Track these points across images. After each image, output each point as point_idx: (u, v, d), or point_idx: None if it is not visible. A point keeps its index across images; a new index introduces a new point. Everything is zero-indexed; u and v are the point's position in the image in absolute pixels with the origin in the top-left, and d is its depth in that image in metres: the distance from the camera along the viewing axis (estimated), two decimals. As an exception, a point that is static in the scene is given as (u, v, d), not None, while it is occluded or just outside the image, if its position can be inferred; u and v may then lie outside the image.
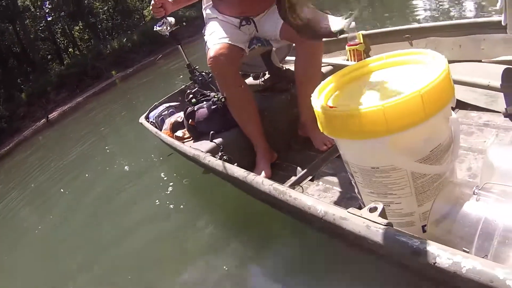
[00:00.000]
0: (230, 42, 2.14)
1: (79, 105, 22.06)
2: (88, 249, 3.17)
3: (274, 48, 2.54)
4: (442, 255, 0.76)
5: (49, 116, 23.46)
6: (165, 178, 3.65)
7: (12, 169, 11.97)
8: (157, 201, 3.25)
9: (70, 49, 31.04)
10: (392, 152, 0.99)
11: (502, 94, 1.82)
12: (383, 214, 0.92)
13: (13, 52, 27.24)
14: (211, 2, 2.33)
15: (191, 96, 2.72)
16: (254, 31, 2.23)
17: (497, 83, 1.81)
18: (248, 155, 2.26)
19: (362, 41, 2.61)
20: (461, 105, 1.93)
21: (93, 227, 3.53)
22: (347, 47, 2.64)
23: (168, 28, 2.80)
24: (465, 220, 0.92)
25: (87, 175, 5.48)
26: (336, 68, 2.57)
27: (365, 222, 0.92)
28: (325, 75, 2.52)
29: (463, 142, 1.65)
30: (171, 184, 3.41)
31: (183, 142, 2.60)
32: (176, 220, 2.85)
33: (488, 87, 1.85)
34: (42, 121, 23.31)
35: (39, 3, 28.77)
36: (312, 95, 1.15)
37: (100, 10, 29.59)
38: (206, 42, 2.25)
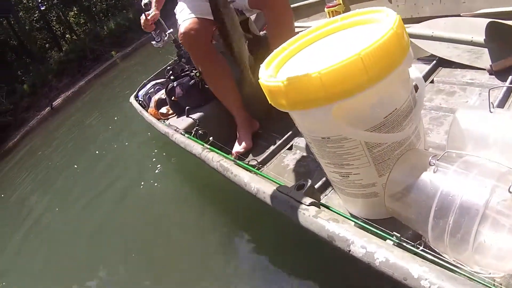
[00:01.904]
0: (199, 16, 2.11)
1: (82, 89, 22.14)
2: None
3: (252, 17, 2.49)
4: (356, 243, 0.68)
5: (53, 103, 23.58)
6: (154, 159, 3.74)
7: (21, 160, 12.11)
8: (143, 182, 3.44)
9: (67, 35, 31.01)
10: (338, 122, 0.90)
11: (486, 49, 1.71)
12: (309, 192, 0.85)
13: (10, 46, 27.26)
14: None
15: (170, 72, 2.76)
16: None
17: (481, 38, 1.71)
18: (228, 127, 2.22)
19: (341, 1, 2.49)
20: (444, 62, 1.84)
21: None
22: (326, 9, 2.54)
23: (165, 39, 2.88)
24: (421, 194, 0.83)
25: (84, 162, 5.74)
26: None
27: (289, 202, 0.85)
28: None
29: (444, 103, 1.58)
30: (158, 165, 3.53)
31: (167, 119, 2.64)
32: (160, 203, 3.02)
33: (471, 43, 1.76)
34: (47, 109, 23.44)
35: None
36: (261, 66, 1.06)
37: (94, -7, 29.34)
38: (177, 20, 2.23)
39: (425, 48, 1.88)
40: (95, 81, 21.23)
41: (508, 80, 1.43)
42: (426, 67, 1.84)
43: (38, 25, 29.71)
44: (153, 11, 2.57)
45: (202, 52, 2.12)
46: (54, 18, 30.01)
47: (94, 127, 9.19)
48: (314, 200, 0.84)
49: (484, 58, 1.68)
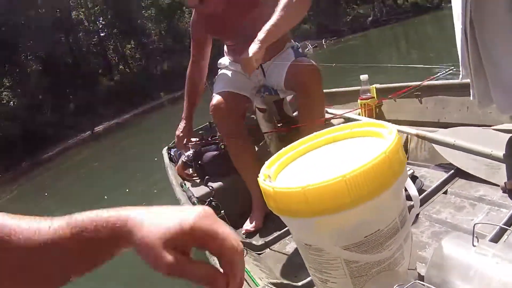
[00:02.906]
0: (233, 90, 2.20)
1: (126, 122, 22.81)
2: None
3: (288, 98, 2.55)
4: None
5: (94, 129, 24.28)
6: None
7: (51, 174, 12.45)
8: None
9: (120, 67, 32.05)
10: (319, 235, 0.93)
11: (504, 165, 1.69)
12: None
13: (64, 63, 28.18)
14: (226, 50, 2.40)
15: (202, 136, 2.91)
16: (262, 79, 2.24)
17: (500, 152, 1.69)
18: (243, 203, 2.28)
19: (375, 95, 2.54)
20: (462, 173, 1.83)
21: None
22: (359, 101, 2.59)
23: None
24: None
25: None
26: (347, 121, 2.50)
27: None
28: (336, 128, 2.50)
29: (450, 218, 1.57)
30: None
31: (190, 180, 2.73)
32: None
33: (490, 156, 1.73)
34: (87, 133, 24.16)
35: (92, 18, 29.86)
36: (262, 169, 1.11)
37: (153, 31, 30.46)
38: (213, 88, 2.32)
39: (445, 156, 1.89)
40: (140, 117, 21.80)
41: (503, 221, 1.40)
42: (443, 176, 1.84)
43: (94, 50, 30.79)
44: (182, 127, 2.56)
45: (229, 127, 2.19)
46: (111, 46, 31.17)
47: (126, 162, 9.41)
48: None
49: (501, 174, 1.67)
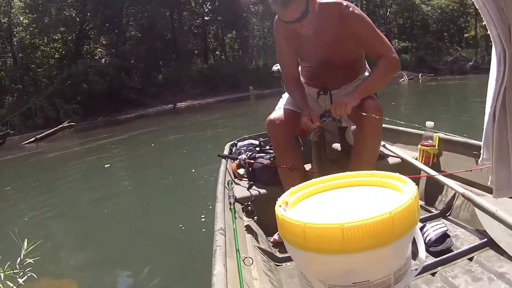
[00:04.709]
0: (293, 108, 2.24)
1: (208, 105, 23.39)
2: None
3: (352, 127, 2.56)
4: None
5: (176, 104, 25.04)
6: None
7: (125, 135, 13.10)
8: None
9: (217, 52, 32.54)
10: (310, 269, 1.03)
11: None
12: None
13: (163, 36, 28.92)
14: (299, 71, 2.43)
15: (260, 142, 3.13)
16: (329, 105, 2.27)
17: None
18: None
19: (436, 144, 2.53)
20: (493, 245, 1.77)
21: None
22: (419, 146, 2.58)
23: None
24: None
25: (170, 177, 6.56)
26: (404, 162, 2.53)
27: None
28: (391, 167, 2.55)
29: (463, 286, 1.55)
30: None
31: (240, 180, 2.85)
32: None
33: (524, 234, 1.70)
34: (169, 106, 24.98)
35: (200, 1, 30.37)
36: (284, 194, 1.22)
37: (256, 27, 30.72)
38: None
39: (483, 223, 1.84)
40: (223, 105, 22.19)
41: None
42: (475, 242, 1.82)
43: (195, 31, 31.40)
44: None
45: (281, 143, 2.24)
46: (213, 32, 31.72)
47: (194, 143, 9.75)
48: None
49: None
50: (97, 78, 24.27)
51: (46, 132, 17.85)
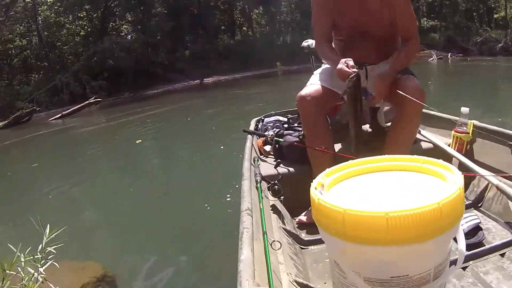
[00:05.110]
0: (325, 85, 2.17)
1: (235, 81, 23.43)
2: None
3: (384, 108, 2.49)
4: None
5: (203, 79, 25.17)
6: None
7: (153, 111, 13.25)
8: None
9: (244, 28, 32.43)
10: (346, 259, 0.94)
11: None
12: None
13: (189, 12, 28.82)
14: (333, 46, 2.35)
15: (288, 119, 3.02)
16: (364, 81, 2.17)
17: None
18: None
19: (470, 131, 2.40)
20: None
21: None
22: (453, 132, 2.46)
23: None
24: None
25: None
26: (436, 148, 2.43)
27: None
28: (423, 152, 2.40)
29: (495, 284, 1.47)
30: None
31: (266, 157, 2.80)
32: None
33: None
34: (196, 81, 25.11)
35: None
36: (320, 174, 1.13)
37: (283, 3, 30.39)
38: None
39: None
40: (250, 80, 22.18)
41: None
42: (508, 237, 1.72)
43: (222, 7, 31.23)
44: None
45: (311, 120, 2.17)
46: (239, 7, 31.52)
47: (222, 119, 9.77)
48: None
49: None
50: (123, 55, 24.42)
51: (73, 108, 18.12)
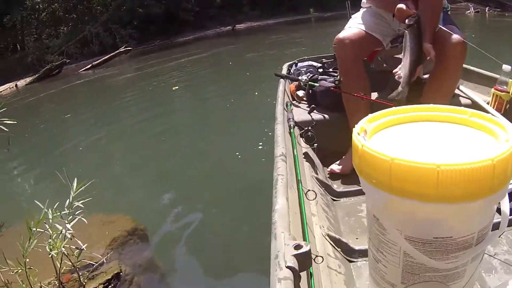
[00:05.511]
0: (366, 30, 2.09)
1: (268, 26, 23.19)
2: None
3: None
4: None
5: (235, 26, 24.90)
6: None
7: (184, 58, 13.23)
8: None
9: (275, -29, 31.29)
10: (389, 214, 0.86)
11: None
12: (300, 257, 0.93)
13: None
14: None
15: (323, 64, 2.95)
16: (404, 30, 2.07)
17: None
18: (341, 143, 2.06)
19: (511, 90, 2.27)
20: None
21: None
22: (493, 90, 2.34)
23: None
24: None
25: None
26: (474, 105, 2.32)
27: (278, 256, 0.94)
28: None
29: None
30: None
31: (299, 102, 2.78)
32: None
33: None
34: (227, 28, 24.86)
35: None
36: (360, 121, 1.02)
37: None
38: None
39: None
40: (282, 26, 21.85)
41: None
42: None
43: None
44: None
45: (349, 64, 2.09)
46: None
47: (256, 65, 9.69)
48: (290, 265, 0.89)
49: None
50: (153, 2, 24.20)
51: (103, 58, 18.25)
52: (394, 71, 1.95)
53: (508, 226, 1.47)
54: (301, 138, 2.06)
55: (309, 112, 2.28)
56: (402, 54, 1.90)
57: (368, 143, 0.88)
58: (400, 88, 1.92)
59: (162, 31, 23.79)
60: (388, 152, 0.80)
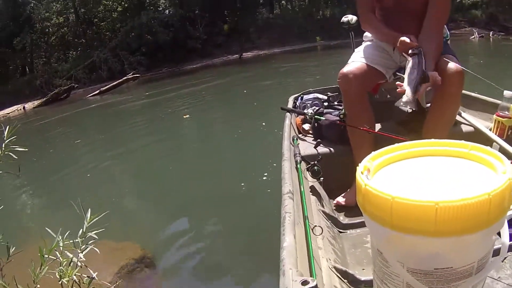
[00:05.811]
0: (368, 63, 2.14)
1: (275, 55, 23.35)
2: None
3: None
4: None
5: (243, 54, 25.13)
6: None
7: (190, 87, 13.33)
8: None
9: (283, 1, 31.98)
10: (391, 249, 0.91)
11: None
12: None
13: None
14: None
15: (328, 97, 3.01)
16: (405, 60, 2.13)
17: None
18: (347, 176, 2.15)
19: None
20: None
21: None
22: (494, 116, 2.37)
23: None
24: None
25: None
26: (476, 131, 2.37)
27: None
28: (463, 136, 2.38)
29: None
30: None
31: (305, 136, 2.80)
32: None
33: None
34: (235, 56, 25.10)
35: None
36: (364, 159, 1.09)
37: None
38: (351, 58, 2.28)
39: None
40: (290, 55, 22.02)
41: None
42: None
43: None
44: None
45: (353, 98, 2.14)
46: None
47: (264, 94, 9.76)
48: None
49: None
50: (162, 29, 24.53)
51: (111, 84, 18.40)
52: (397, 83, 1.92)
53: (508, 251, 1.48)
54: (307, 172, 2.09)
55: (315, 146, 2.32)
56: (405, 73, 1.91)
57: (371, 182, 0.93)
58: (405, 97, 1.93)
59: (169, 59, 24.09)
60: (390, 191, 0.85)
